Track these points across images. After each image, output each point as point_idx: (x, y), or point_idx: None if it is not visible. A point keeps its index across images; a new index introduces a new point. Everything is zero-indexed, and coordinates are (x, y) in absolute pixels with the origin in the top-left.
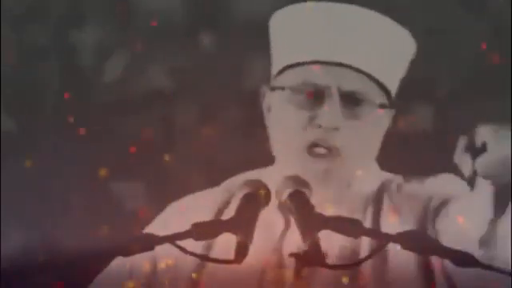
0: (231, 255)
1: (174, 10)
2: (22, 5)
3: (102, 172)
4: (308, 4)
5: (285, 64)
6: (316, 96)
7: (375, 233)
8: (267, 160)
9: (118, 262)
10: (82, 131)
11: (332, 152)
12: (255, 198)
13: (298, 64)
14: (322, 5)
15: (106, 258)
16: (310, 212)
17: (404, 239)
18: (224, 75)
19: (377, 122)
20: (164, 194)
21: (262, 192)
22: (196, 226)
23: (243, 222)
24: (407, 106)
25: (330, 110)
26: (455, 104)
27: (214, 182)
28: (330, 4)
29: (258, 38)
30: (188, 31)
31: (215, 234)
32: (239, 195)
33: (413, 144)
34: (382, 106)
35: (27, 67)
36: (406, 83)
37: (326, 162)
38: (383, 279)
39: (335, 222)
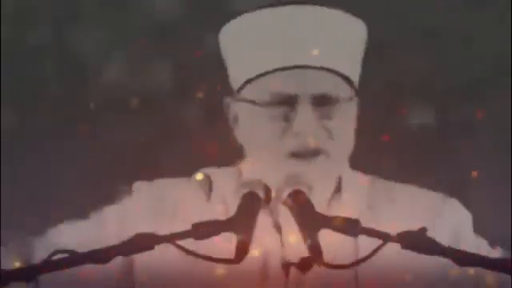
0: (231, 255)
1: (175, 10)
2: (21, 5)
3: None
4: (255, 13)
5: (245, 79)
6: (286, 104)
7: (375, 232)
8: None
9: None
10: (82, 131)
11: (313, 155)
12: (255, 198)
13: (260, 75)
14: (267, 11)
15: (106, 257)
16: (309, 212)
17: (404, 239)
18: (224, 75)
19: (347, 116)
20: None
21: (262, 192)
22: (196, 225)
23: (243, 222)
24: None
25: (303, 117)
26: (455, 104)
27: None
28: (276, 9)
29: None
30: (188, 31)
31: (215, 234)
32: (239, 195)
33: (413, 144)
34: (350, 100)
35: (27, 67)
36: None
37: (308, 166)
38: (383, 279)
39: (335, 222)
